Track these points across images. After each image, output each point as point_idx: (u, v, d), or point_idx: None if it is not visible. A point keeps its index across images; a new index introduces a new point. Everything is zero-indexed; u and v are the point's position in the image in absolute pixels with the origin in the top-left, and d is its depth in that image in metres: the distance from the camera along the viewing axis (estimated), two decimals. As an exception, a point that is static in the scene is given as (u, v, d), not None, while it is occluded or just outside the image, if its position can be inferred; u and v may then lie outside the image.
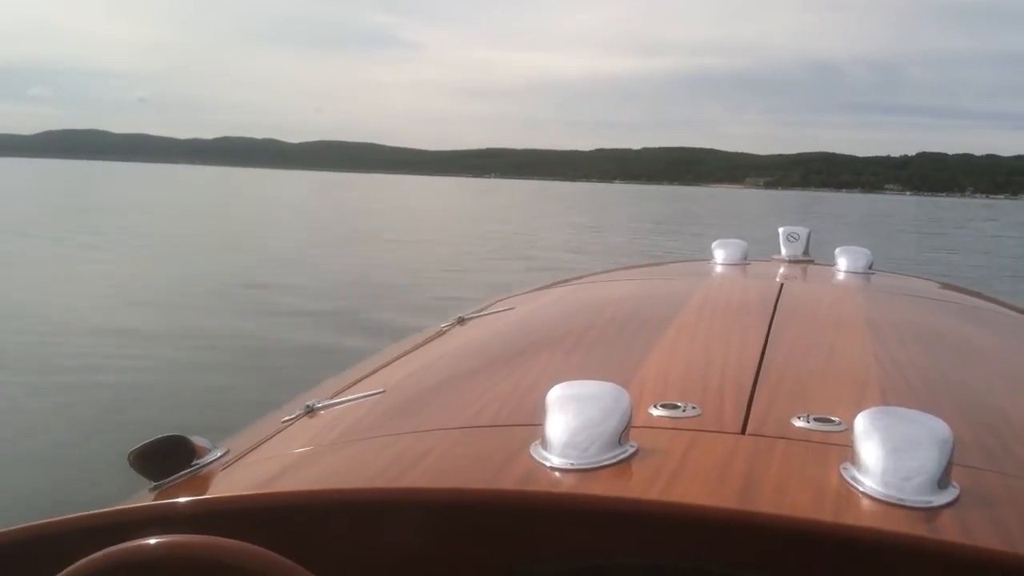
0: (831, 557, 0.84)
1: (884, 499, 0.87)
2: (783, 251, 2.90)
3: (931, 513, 0.86)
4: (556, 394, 1.03)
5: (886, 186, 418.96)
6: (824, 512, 0.86)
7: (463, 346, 1.88)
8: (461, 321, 2.12)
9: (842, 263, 2.65)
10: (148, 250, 17.06)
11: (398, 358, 1.87)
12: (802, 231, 2.94)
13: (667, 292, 2.27)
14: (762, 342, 1.50)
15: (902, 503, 0.86)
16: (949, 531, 0.83)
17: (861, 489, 0.89)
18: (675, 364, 1.43)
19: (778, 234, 2.95)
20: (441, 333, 2.05)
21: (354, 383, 1.63)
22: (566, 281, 2.76)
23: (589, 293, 2.43)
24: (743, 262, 2.68)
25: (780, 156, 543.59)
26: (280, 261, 14.94)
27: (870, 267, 2.65)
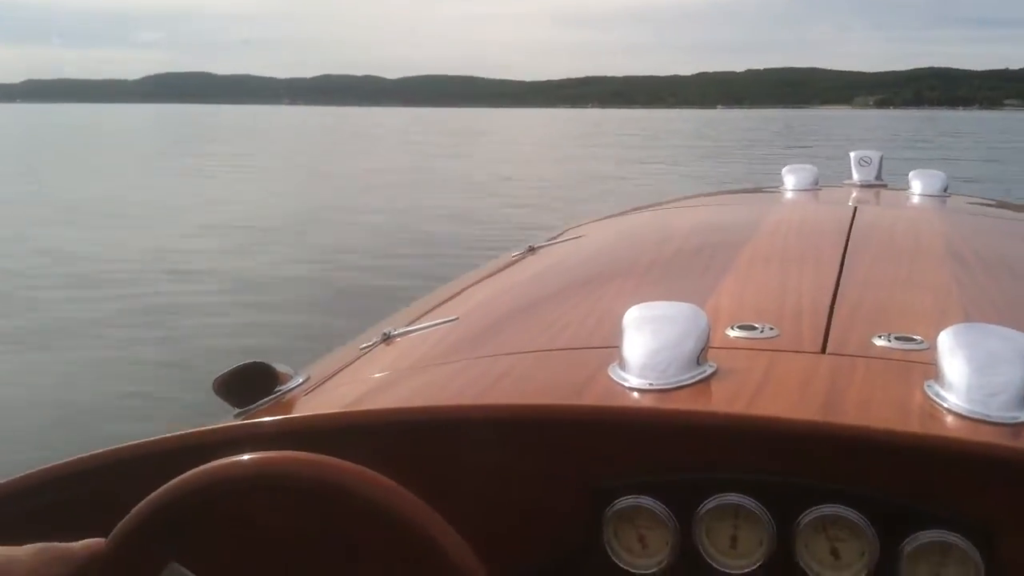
0: (916, 469, 0.84)
1: (969, 415, 0.86)
2: (855, 176, 2.88)
3: (1018, 429, 0.84)
4: (633, 315, 1.04)
5: (1005, 101, 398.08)
6: (910, 427, 0.86)
7: (536, 273, 1.89)
8: (532, 250, 2.13)
9: (916, 187, 2.61)
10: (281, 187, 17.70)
11: (471, 286, 1.89)
12: (874, 155, 2.91)
13: (740, 218, 2.27)
14: (838, 264, 1.50)
15: (987, 419, 0.85)
16: None
17: (945, 405, 0.88)
18: (750, 287, 1.44)
19: (849, 158, 2.94)
20: (512, 262, 2.05)
21: (429, 311, 1.67)
22: (636, 209, 2.75)
23: (661, 220, 2.43)
24: (814, 187, 2.68)
25: (891, 73, 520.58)
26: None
27: (945, 190, 2.62)
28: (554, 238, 2.33)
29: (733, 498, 0.87)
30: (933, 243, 1.79)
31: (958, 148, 34.33)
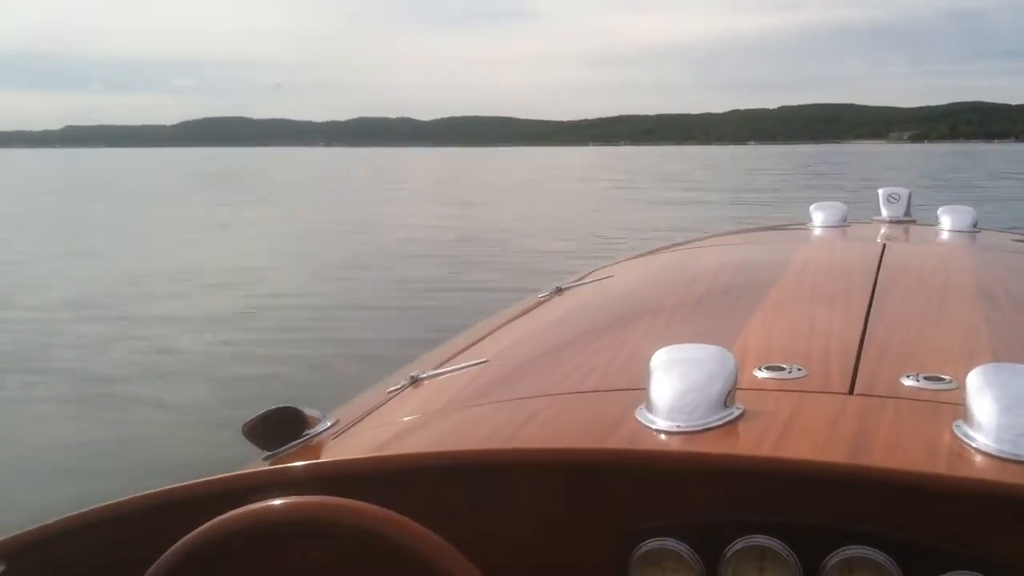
0: (944, 510, 0.83)
1: (999, 455, 0.85)
2: (883, 212, 2.87)
3: None
4: (661, 358, 1.03)
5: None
6: (938, 468, 0.85)
7: (563, 315, 1.90)
8: (559, 291, 2.13)
9: (945, 222, 2.59)
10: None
11: (498, 328, 1.90)
12: (903, 192, 2.90)
13: (767, 257, 2.25)
14: (867, 303, 1.49)
15: (1017, 458, 0.85)
16: None
17: (974, 446, 0.88)
18: (779, 327, 1.44)
19: (878, 195, 2.93)
20: (540, 303, 2.07)
21: (456, 354, 1.67)
22: (662, 249, 2.75)
23: (687, 260, 2.42)
24: (842, 224, 2.67)
25: (926, 108, 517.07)
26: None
27: (975, 226, 2.60)
28: (581, 279, 2.34)
29: (759, 540, 0.87)
30: (962, 280, 1.78)
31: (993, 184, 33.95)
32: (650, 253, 2.68)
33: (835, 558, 0.85)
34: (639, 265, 2.47)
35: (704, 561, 0.89)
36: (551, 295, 2.11)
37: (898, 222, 2.82)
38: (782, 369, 1.15)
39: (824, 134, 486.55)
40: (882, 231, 2.63)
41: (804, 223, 2.80)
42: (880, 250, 2.01)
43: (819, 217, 2.70)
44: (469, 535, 0.91)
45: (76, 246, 15.25)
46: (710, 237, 2.97)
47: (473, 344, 1.75)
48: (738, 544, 0.87)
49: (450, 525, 0.90)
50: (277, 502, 0.90)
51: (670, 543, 0.89)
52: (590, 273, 2.44)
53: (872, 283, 1.65)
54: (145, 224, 19.33)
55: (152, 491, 1.07)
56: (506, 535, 0.97)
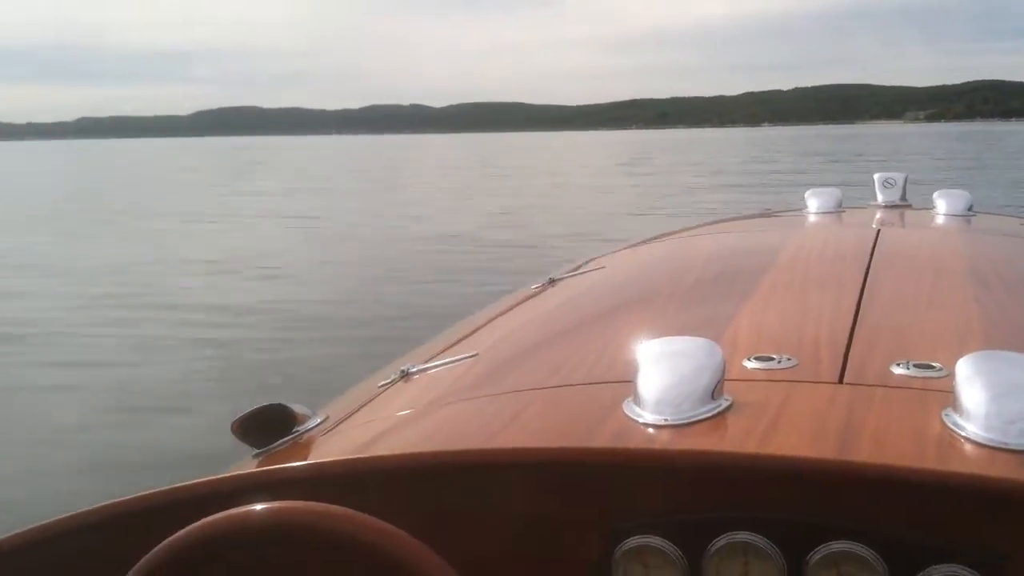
0: (931, 505, 0.83)
1: (988, 444, 0.85)
2: (879, 197, 2.85)
3: None
4: (647, 350, 1.04)
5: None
6: (926, 459, 0.85)
7: (555, 307, 1.90)
8: (552, 282, 2.12)
9: (941, 206, 2.58)
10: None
11: (490, 321, 1.89)
12: (899, 176, 2.88)
13: (760, 244, 2.24)
14: (858, 290, 1.48)
15: (1006, 447, 0.84)
16: None
17: (963, 434, 0.87)
18: (769, 316, 1.43)
19: (873, 180, 2.90)
20: (533, 294, 2.06)
21: (447, 347, 1.66)
22: (657, 238, 2.73)
23: (680, 249, 2.41)
24: (838, 210, 2.66)
25: (942, 87, 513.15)
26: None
27: (970, 209, 2.58)
28: (574, 270, 2.33)
29: (743, 536, 0.87)
30: (955, 265, 1.77)
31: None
32: (644, 242, 2.67)
33: (819, 553, 0.85)
34: (633, 254, 2.46)
35: (687, 558, 0.89)
36: (544, 286, 2.11)
37: (894, 207, 2.81)
38: (771, 359, 1.15)
39: (839, 115, 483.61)
40: (877, 216, 2.62)
41: (800, 209, 2.80)
42: (874, 235, 2.00)
43: (814, 203, 2.70)
44: (452, 534, 0.92)
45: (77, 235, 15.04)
46: (704, 225, 2.97)
47: (464, 337, 1.75)
48: (721, 541, 0.87)
49: (434, 524, 0.91)
50: (258, 507, 0.89)
51: (653, 540, 0.89)
52: (584, 263, 2.43)
53: (865, 269, 1.64)
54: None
55: (134, 496, 1.07)
56: (490, 534, 0.97)
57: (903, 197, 2.85)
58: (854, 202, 2.95)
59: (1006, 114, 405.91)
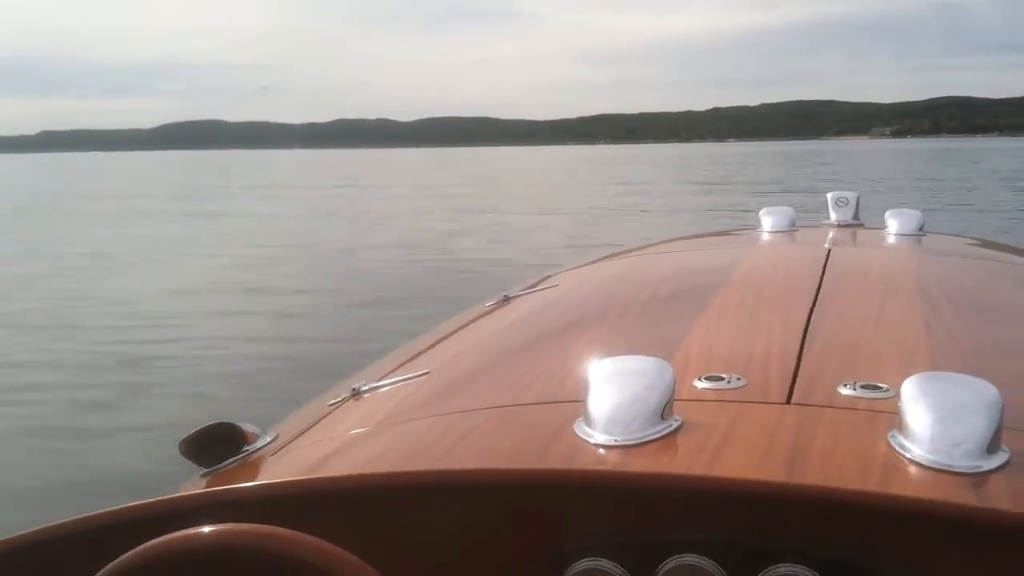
0: (877, 528, 0.84)
1: (932, 466, 0.86)
2: (832, 216, 2.85)
3: (980, 479, 0.85)
4: (597, 370, 1.02)
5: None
6: (871, 482, 0.85)
7: (508, 325, 1.88)
8: (507, 299, 2.09)
9: (892, 226, 2.60)
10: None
11: (443, 339, 1.86)
12: (851, 195, 2.90)
13: (713, 263, 2.25)
14: (808, 310, 1.49)
15: (950, 469, 0.85)
16: (999, 497, 0.83)
17: (909, 456, 0.88)
18: (720, 335, 1.42)
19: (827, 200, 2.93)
20: (486, 312, 2.04)
21: (399, 365, 1.63)
22: (612, 255, 2.74)
23: (635, 268, 2.43)
24: (791, 229, 2.67)
25: (908, 104, 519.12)
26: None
27: (921, 229, 2.60)
28: (529, 287, 2.30)
29: (691, 559, 0.87)
30: (904, 285, 1.78)
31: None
32: (598, 260, 2.65)
33: None
34: (587, 273, 2.43)
35: None
36: (498, 304, 2.10)
37: (846, 226, 2.81)
38: (721, 379, 1.16)
39: (805, 130, 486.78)
40: (829, 235, 2.60)
41: (753, 227, 2.82)
42: (825, 255, 2.05)
43: (768, 222, 2.71)
44: (401, 556, 0.93)
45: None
46: (658, 244, 2.92)
47: (417, 355, 1.72)
48: (670, 563, 0.87)
49: (382, 546, 0.91)
50: (205, 529, 0.88)
51: (601, 563, 0.89)
52: (539, 280, 2.40)
53: (816, 288, 1.66)
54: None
55: (77, 517, 1.05)
56: (437, 557, 0.97)
57: (856, 216, 2.87)
58: (808, 220, 2.99)
59: (972, 130, 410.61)
